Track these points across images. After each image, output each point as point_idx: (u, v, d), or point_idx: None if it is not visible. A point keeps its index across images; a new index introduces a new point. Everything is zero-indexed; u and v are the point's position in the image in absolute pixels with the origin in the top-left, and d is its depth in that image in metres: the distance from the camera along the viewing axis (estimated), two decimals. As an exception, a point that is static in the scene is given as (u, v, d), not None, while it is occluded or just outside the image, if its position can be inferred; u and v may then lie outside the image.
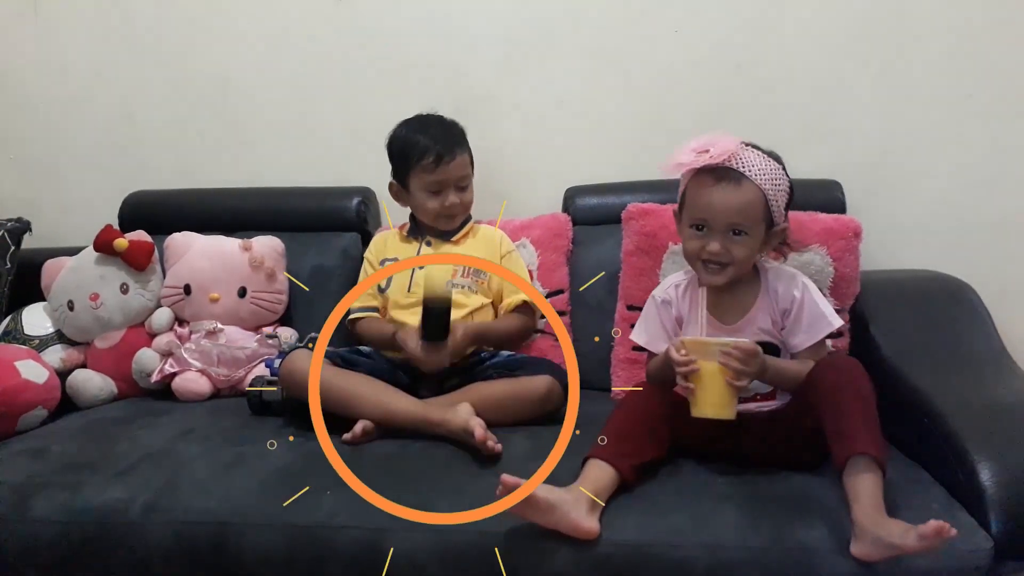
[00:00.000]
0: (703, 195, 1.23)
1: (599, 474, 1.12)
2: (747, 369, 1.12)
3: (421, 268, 1.62)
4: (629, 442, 1.15)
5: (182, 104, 2.03)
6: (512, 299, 1.63)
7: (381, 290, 1.65)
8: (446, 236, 1.67)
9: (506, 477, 1.03)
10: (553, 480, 1.10)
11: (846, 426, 1.06)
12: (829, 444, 1.08)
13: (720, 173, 1.22)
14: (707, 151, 1.21)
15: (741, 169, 1.21)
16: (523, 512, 1.04)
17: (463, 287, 1.62)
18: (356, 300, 1.65)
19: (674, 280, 1.37)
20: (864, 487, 1.02)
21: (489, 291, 1.65)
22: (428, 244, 1.67)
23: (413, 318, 1.50)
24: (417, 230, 1.69)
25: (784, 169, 1.26)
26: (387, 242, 1.72)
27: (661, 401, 1.23)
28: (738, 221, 1.21)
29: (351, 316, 1.64)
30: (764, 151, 1.26)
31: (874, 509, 1.00)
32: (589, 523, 1.05)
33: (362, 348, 1.55)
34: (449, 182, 1.61)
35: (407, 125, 1.66)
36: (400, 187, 1.68)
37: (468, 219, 1.71)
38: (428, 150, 1.59)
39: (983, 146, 1.79)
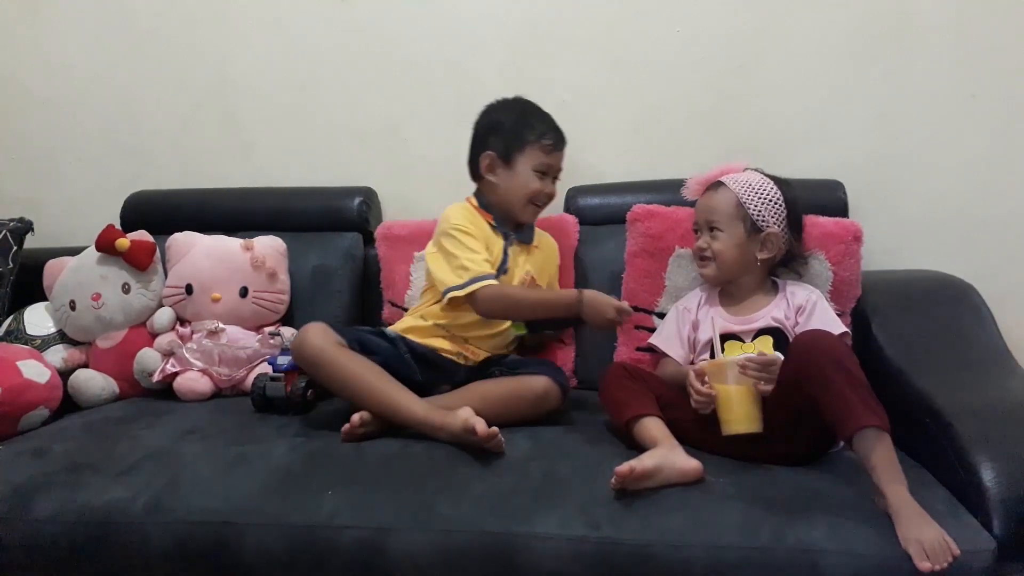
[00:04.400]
0: (696, 204, 1.49)
1: (652, 425, 1.24)
2: (769, 376, 1.22)
3: (504, 274, 1.56)
4: (640, 395, 1.30)
5: (184, 104, 2.04)
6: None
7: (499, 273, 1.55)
8: (525, 239, 1.63)
9: (619, 469, 1.10)
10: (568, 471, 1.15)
11: (840, 404, 1.10)
12: (829, 423, 1.12)
13: (709, 186, 1.47)
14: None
15: (725, 181, 1.44)
16: (637, 485, 1.12)
17: None
18: (461, 271, 1.47)
19: (695, 292, 1.53)
20: (876, 458, 1.06)
21: None
22: (511, 244, 1.60)
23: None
24: (500, 223, 1.60)
25: (784, 189, 1.43)
26: (477, 222, 1.56)
27: (633, 373, 1.37)
28: (712, 218, 1.43)
29: (467, 289, 1.45)
30: (769, 175, 1.45)
31: (892, 480, 1.05)
32: (691, 463, 1.15)
33: (387, 331, 1.51)
34: (555, 169, 1.60)
35: (517, 102, 1.61)
36: (499, 160, 1.57)
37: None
38: (549, 132, 1.58)
39: (986, 146, 1.78)
